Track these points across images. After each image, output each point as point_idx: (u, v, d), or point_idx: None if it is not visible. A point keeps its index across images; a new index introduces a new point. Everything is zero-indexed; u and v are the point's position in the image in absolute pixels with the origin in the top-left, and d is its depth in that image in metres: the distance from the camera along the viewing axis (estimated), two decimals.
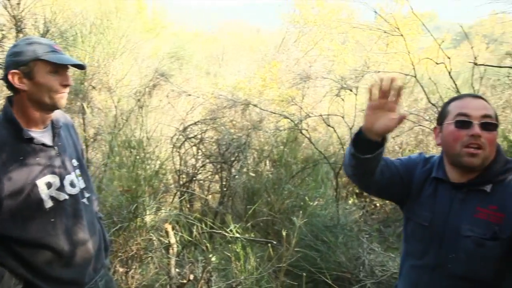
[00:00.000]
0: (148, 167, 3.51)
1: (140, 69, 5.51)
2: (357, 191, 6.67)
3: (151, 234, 3.10)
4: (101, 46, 4.95)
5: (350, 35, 12.20)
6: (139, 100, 4.41)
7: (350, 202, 5.79)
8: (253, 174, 5.37)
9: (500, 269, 1.43)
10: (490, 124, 1.47)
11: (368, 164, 1.51)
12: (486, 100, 1.56)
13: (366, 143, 1.45)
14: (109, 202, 3.11)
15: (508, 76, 5.86)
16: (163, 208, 3.32)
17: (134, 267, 3.05)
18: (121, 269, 3.10)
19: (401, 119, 1.40)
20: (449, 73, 3.29)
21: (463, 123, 1.48)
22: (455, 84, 3.38)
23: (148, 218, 3.12)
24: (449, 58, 3.30)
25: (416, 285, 1.60)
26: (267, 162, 5.55)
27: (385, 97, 1.39)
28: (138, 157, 3.26)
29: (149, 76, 4.82)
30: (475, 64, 3.18)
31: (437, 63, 3.33)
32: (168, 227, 3.10)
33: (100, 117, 4.69)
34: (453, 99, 1.61)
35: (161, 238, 3.22)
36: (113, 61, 5.08)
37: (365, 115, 1.44)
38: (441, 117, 1.60)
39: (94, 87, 4.79)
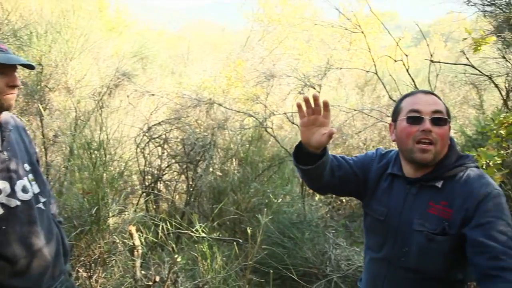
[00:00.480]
0: (111, 168, 3.44)
1: (101, 69, 5.38)
2: None
3: (115, 236, 3.03)
4: (58, 46, 4.80)
5: (314, 33, 12.35)
6: (99, 100, 4.30)
7: (316, 198, 5.86)
8: (220, 174, 5.36)
9: (448, 262, 1.48)
10: (440, 119, 1.51)
11: (312, 173, 1.57)
12: (438, 96, 1.60)
13: (307, 155, 1.51)
14: (70, 206, 3.03)
15: (465, 73, 6.09)
16: (127, 210, 3.26)
17: (97, 271, 2.98)
18: (84, 274, 3.03)
19: (330, 134, 1.45)
20: (407, 70, 3.38)
21: (415, 119, 1.51)
22: (413, 81, 3.48)
23: (111, 221, 3.05)
24: (406, 55, 3.39)
25: (375, 277, 1.65)
26: (234, 161, 5.55)
27: (315, 113, 1.45)
28: (99, 159, 3.19)
29: (110, 76, 4.71)
30: (431, 61, 3.29)
31: (395, 60, 3.41)
32: (132, 229, 3.04)
33: (60, 119, 4.55)
34: (406, 96, 1.64)
35: (125, 241, 3.16)
36: (71, 61, 4.93)
37: (301, 131, 1.50)
38: (395, 113, 1.64)
39: (50, 89, 4.64)
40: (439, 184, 1.52)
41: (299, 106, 1.48)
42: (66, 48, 4.82)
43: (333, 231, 4.90)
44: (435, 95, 1.61)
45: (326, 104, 1.44)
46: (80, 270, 3.00)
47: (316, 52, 10.53)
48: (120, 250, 3.08)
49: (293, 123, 4.88)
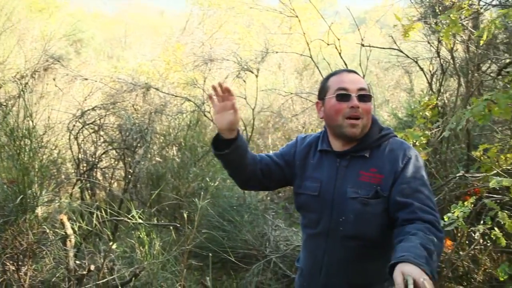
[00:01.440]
0: (39, 156, 3.27)
1: (28, 51, 5.05)
2: None
3: (44, 227, 2.90)
4: None
5: (255, 18, 12.34)
6: (25, 84, 4.05)
7: None
8: (159, 159, 5.27)
9: (382, 225, 1.58)
10: (365, 96, 1.64)
11: (232, 161, 1.70)
12: (359, 74, 1.72)
13: (225, 143, 1.64)
14: None
15: (397, 58, 6.36)
16: (57, 198, 3.12)
17: (26, 263, 2.85)
18: (12, 267, 2.88)
19: (233, 108, 1.59)
20: (340, 54, 3.47)
21: (343, 96, 1.62)
22: (346, 65, 3.58)
23: (40, 210, 2.91)
24: (338, 39, 3.48)
25: (313, 252, 1.71)
26: (173, 146, 5.48)
27: (224, 100, 1.60)
28: (26, 146, 3.01)
29: (37, 59, 4.44)
30: (362, 45, 3.40)
31: (328, 44, 3.50)
32: (64, 218, 2.92)
33: None
34: (331, 75, 1.73)
35: (57, 230, 3.04)
36: None
37: (215, 119, 1.64)
38: (322, 92, 1.72)
39: None
40: (367, 154, 1.63)
41: (210, 97, 1.62)
42: None
43: (273, 213, 4.99)
44: (357, 73, 1.72)
45: (228, 90, 1.58)
46: (8, 263, 2.85)
47: (256, 37, 10.54)
48: (51, 240, 2.95)
49: None
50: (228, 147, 1.63)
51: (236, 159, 1.68)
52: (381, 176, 1.57)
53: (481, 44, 3.18)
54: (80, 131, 4.71)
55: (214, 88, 1.60)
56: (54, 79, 4.48)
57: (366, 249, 1.60)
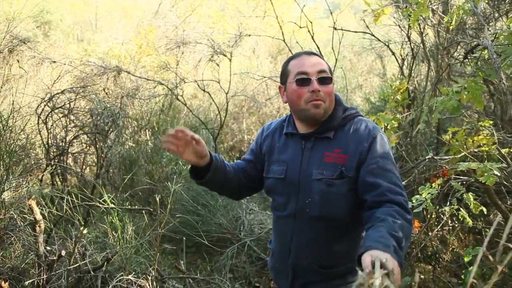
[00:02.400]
0: (4, 139, 3.17)
1: None
2: (238, 155, 6.87)
3: (12, 212, 2.83)
4: None
5: (229, 2, 12.20)
6: None
7: None
8: (132, 144, 5.20)
9: (350, 205, 1.60)
10: (326, 78, 1.63)
11: (215, 181, 1.72)
12: (320, 56, 1.71)
13: (203, 169, 1.67)
14: None
15: (370, 43, 6.42)
16: (23, 183, 3.04)
17: None
18: None
19: (194, 139, 1.57)
20: (312, 37, 3.47)
21: (303, 81, 1.62)
22: (318, 48, 3.59)
23: (7, 195, 2.83)
24: (311, 22, 3.48)
25: (282, 234, 1.73)
26: (146, 131, 5.41)
27: (181, 139, 1.57)
28: None
29: (0, 39, 4.25)
30: (335, 28, 3.41)
31: (300, 27, 3.49)
32: (32, 203, 2.85)
33: None
34: (291, 58, 1.73)
35: (25, 216, 2.96)
36: None
37: (184, 160, 1.64)
38: (283, 76, 1.72)
39: None
40: (330, 135, 1.63)
41: (168, 149, 1.60)
42: None
43: (247, 197, 5.02)
44: (318, 55, 1.71)
45: (180, 131, 1.56)
46: None
47: (231, 21, 10.44)
48: (20, 226, 2.88)
49: (204, 90, 4.83)
50: (207, 172, 1.66)
51: (219, 178, 1.71)
52: (346, 156, 1.58)
53: (450, 29, 3.24)
54: (49, 115, 4.57)
55: (168, 140, 1.56)
56: (18, 61, 4.31)
57: (332, 230, 1.62)
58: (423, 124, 2.88)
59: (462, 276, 2.79)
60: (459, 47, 3.49)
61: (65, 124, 4.78)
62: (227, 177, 1.74)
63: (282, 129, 1.78)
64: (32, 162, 4.77)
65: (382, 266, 1.07)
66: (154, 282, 2.86)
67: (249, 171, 1.83)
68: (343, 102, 1.73)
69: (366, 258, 1.17)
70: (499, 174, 2.29)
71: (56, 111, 4.65)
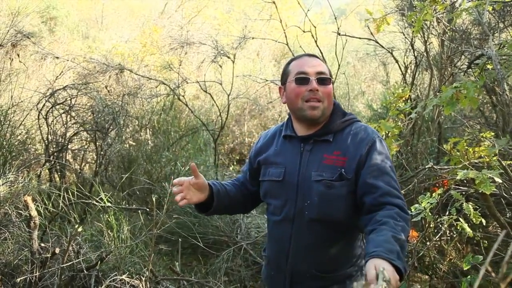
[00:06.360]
0: (3, 133, 3.15)
1: None
2: (238, 158, 6.86)
3: (7, 208, 2.81)
4: None
5: (235, 4, 12.20)
6: None
7: (230, 168, 5.92)
8: (132, 143, 5.18)
9: (349, 207, 1.58)
10: (325, 79, 1.65)
11: (221, 206, 1.78)
12: (320, 59, 1.74)
13: (207, 202, 1.74)
14: None
15: (374, 50, 6.39)
16: (19, 179, 3.02)
17: None
18: None
19: (194, 177, 1.67)
20: (316, 41, 3.46)
21: (302, 80, 1.64)
22: (321, 53, 3.57)
23: (2, 190, 2.82)
24: (315, 27, 3.46)
25: (279, 239, 1.69)
26: (147, 130, 5.39)
27: (184, 185, 1.66)
28: None
29: (4, 33, 4.24)
30: (339, 34, 3.39)
31: (304, 31, 3.47)
32: (28, 199, 2.83)
33: None
34: (293, 60, 1.76)
35: (20, 212, 2.95)
36: None
37: (193, 203, 1.70)
38: (284, 77, 1.74)
39: None
40: (330, 138, 1.64)
41: (178, 200, 1.66)
42: None
43: None
44: (318, 57, 1.74)
45: (177, 184, 1.66)
46: None
47: (236, 23, 10.44)
48: (14, 222, 2.86)
49: (205, 91, 4.81)
50: (212, 201, 1.73)
51: (224, 202, 1.77)
52: (345, 158, 1.58)
53: (453, 24, 3.19)
54: (50, 111, 4.56)
55: (178, 192, 1.65)
56: (18, 55, 4.30)
57: (331, 233, 1.60)
58: (415, 114, 2.85)
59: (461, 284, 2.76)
60: (463, 57, 3.47)
61: (66, 120, 4.77)
62: (231, 197, 1.79)
63: (280, 132, 1.78)
64: (31, 157, 4.76)
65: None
66: (148, 283, 2.83)
67: (247, 183, 1.88)
68: (341, 107, 1.74)
69: (371, 271, 1.16)
70: (500, 181, 2.26)
71: (57, 107, 4.64)
